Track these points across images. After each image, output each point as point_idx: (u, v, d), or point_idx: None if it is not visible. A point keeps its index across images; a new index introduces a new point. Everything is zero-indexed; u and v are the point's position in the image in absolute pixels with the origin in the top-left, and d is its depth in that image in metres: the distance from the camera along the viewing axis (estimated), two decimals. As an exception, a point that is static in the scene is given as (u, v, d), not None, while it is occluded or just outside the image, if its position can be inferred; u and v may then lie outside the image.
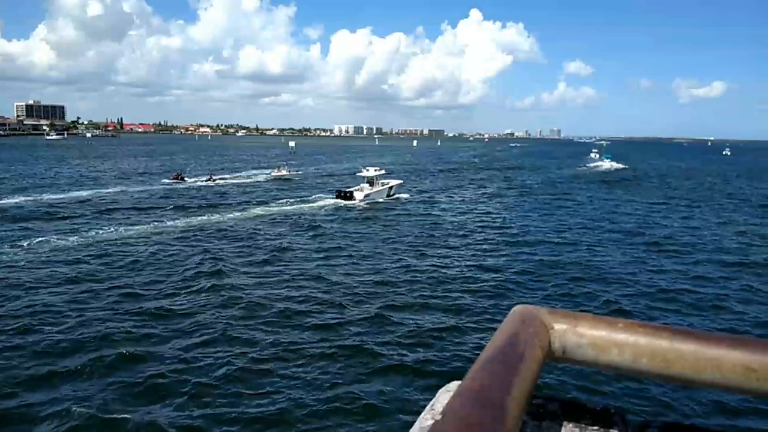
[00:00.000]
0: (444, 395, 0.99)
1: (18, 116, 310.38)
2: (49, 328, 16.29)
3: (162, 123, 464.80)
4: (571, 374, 13.22)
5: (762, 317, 18.56)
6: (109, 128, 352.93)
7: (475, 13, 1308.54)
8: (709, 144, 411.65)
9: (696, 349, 0.89)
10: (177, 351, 14.87)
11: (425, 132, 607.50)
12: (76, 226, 32.30)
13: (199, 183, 58.48)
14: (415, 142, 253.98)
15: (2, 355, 14.33)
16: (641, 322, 0.97)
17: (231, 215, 37.55)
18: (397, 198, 48.71)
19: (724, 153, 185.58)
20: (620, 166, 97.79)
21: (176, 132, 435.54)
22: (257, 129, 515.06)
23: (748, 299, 20.55)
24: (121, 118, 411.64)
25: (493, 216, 40.43)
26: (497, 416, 0.69)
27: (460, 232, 33.29)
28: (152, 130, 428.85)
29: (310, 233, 31.92)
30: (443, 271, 23.74)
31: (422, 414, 0.93)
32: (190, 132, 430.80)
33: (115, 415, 11.53)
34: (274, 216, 37.87)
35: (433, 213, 41.49)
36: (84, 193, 47.54)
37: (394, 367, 14.21)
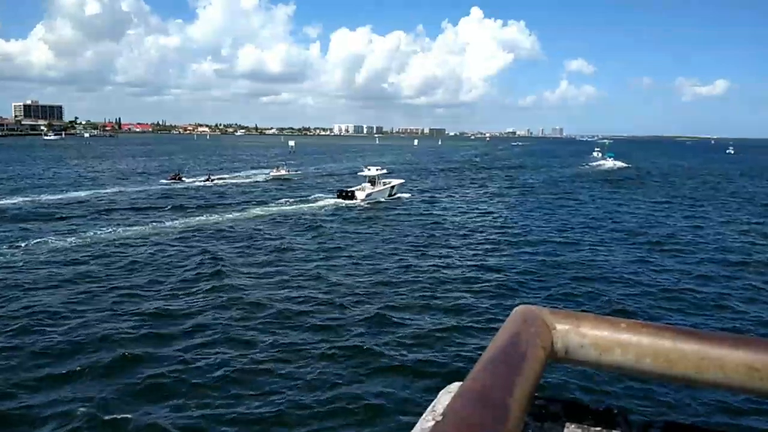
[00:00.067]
0: (445, 396, 0.98)
1: (16, 116, 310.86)
2: (48, 329, 16.22)
3: (160, 123, 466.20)
4: (574, 375, 13.11)
5: (765, 317, 18.45)
6: (107, 128, 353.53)
7: (475, 11, 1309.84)
8: (712, 142, 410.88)
9: (699, 348, 0.89)
10: (177, 351, 14.81)
11: (426, 131, 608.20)
12: (74, 227, 32.23)
13: (197, 183, 58.35)
14: (415, 141, 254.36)
15: (1, 356, 14.27)
16: (644, 322, 0.96)
17: (230, 215, 37.47)
18: (399, 197, 48.63)
19: (727, 151, 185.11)
20: (623, 164, 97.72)
21: (174, 132, 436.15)
22: (256, 128, 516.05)
23: (751, 299, 20.47)
24: (119, 118, 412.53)
25: (495, 215, 40.35)
26: (499, 417, 0.69)
27: (462, 232, 33.20)
28: (150, 130, 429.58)
29: (310, 233, 31.83)
30: (444, 271, 23.65)
31: (423, 415, 0.92)
32: (188, 132, 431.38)
33: (114, 415, 11.50)
34: (273, 216, 37.79)
35: (435, 212, 41.42)
36: (82, 194, 47.48)
37: (395, 367, 14.14)
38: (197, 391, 12.71)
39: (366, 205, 43.55)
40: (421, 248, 28.27)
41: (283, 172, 67.47)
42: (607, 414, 0.99)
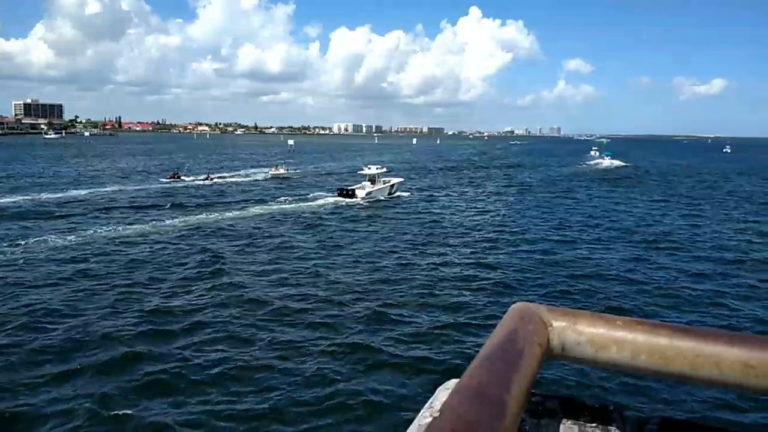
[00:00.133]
0: (443, 393, 0.98)
1: (16, 115, 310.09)
2: (48, 326, 16.28)
3: (160, 122, 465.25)
4: (570, 372, 13.22)
5: (761, 314, 18.57)
6: (108, 127, 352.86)
7: (474, 11, 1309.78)
8: (709, 141, 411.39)
9: (694, 346, 0.89)
10: (177, 349, 14.88)
11: (425, 130, 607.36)
12: (74, 225, 32.29)
13: (197, 182, 58.31)
14: (414, 140, 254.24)
15: (2, 354, 14.32)
16: (640, 320, 0.97)
17: (229, 214, 37.53)
18: (398, 196, 48.71)
19: (724, 150, 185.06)
20: (620, 163, 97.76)
21: (175, 131, 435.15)
22: (256, 127, 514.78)
23: (747, 296, 20.58)
24: (120, 117, 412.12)
25: (493, 214, 40.44)
26: (496, 413, 0.69)
27: (460, 230, 33.30)
28: (150, 129, 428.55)
29: (310, 231, 31.91)
30: (443, 268, 23.75)
31: (421, 411, 0.93)
32: (188, 131, 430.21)
33: (116, 412, 11.56)
34: (273, 214, 37.85)
35: (433, 211, 41.48)
36: (82, 192, 47.51)
37: (393, 364, 14.23)
38: (197, 387, 12.79)
39: (366, 204, 43.65)
40: (420, 246, 28.37)
41: (281, 170, 67.35)
42: (604, 410, 1.00)
